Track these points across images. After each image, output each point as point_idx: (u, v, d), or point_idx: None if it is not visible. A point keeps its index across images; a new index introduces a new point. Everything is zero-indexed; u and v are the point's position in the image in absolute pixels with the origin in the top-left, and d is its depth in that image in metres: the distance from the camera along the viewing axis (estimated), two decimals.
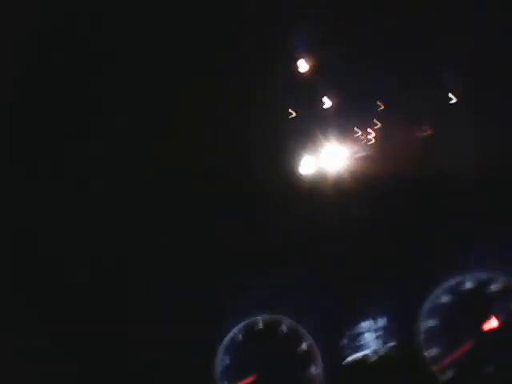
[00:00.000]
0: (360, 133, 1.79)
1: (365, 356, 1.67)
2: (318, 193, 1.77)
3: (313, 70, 1.82)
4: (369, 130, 1.79)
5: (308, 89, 1.82)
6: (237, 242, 1.71)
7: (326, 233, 1.73)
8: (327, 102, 1.82)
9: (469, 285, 1.67)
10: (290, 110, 1.83)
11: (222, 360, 1.65)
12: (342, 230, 1.72)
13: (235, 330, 1.68)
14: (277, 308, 1.70)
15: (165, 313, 1.69)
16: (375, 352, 1.67)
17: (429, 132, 1.77)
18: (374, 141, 1.79)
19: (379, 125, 1.79)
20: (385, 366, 1.66)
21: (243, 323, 1.69)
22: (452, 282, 1.68)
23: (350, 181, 1.76)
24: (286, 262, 1.72)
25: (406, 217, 1.73)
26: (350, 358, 1.67)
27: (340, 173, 1.77)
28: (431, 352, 1.65)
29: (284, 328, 1.68)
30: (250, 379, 1.63)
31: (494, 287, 1.66)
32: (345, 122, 1.80)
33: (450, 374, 1.62)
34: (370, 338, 1.68)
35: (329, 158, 1.78)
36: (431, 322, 1.66)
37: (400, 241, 1.72)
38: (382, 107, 1.79)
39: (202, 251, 1.72)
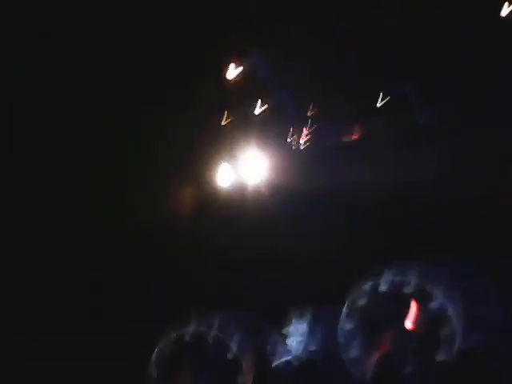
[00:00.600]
0: (292, 137, 1.78)
1: (289, 361, 1.73)
2: (243, 201, 1.80)
3: (243, 75, 1.82)
4: (300, 134, 1.78)
5: (238, 94, 1.82)
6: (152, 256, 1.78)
7: (244, 243, 1.77)
8: (258, 108, 1.81)
9: (384, 288, 1.68)
10: (220, 117, 1.83)
11: (151, 374, 1.75)
12: (259, 238, 1.75)
13: (163, 343, 1.76)
14: (203, 321, 1.77)
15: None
16: (298, 357, 1.73)
17: (359, 135, 1.75)
18: (305, 145, 1.78)
19: (310, 129, 1.77)
20: (308, 369, 1.72)
21: (171, 336, 1.77)
22: (368, 285, 1.69)
23: (277, 188, 1.77)
24: (205, 274, 1.78)
25: (324, 223, 1.74)
26: (274, 364, 1.74)
27: (267, 181, 1.79)
28: (351, 354, 1.69)
29: (211, 339, 1.75)
30: None
31: (408, 289, 1.66)
32: (276, 126, 1.79)
33: (369, 374, 1.66)
34: (293, 344, 1.73)
35: (257, 165, 1.79)
36: (350, 325, 1.70)
37: (318, 248, 1.73)
38: (313, 112, 1.77)
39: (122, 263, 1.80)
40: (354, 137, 1.76)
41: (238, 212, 1.79)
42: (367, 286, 1.69)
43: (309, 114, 1.78)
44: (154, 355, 1.76)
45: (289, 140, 1.77)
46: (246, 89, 1.83)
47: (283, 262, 1.75)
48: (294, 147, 1.77)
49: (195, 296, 1.77)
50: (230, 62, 1.82)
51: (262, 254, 1.76)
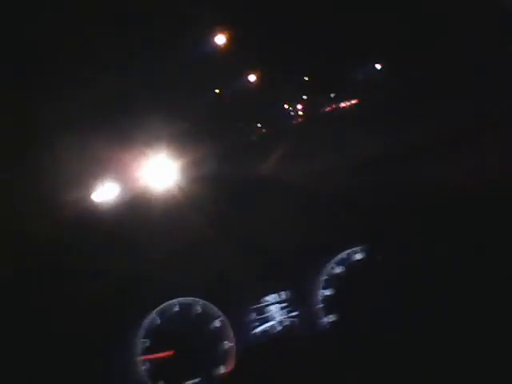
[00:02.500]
0: (288, 106, 1.88)
1: (271, 326, 1.86)
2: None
3: (233, 44, 1.84)
4: (297, 103, 1.89)
5: (229, 64, 1.86)
6: None
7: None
8: (252, 78, 1.87)
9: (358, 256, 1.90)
10: (214, 88, 1.86)
11: (142, 342, 1.76)
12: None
13: (153, 313, 1.79)
14: (190, 291, 1.83)
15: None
16: (280, 322, 1.86)
17: (354, 102, 1.89)
18: (302, 113, 1.89)
19: (306, 97, 1.89)
20: (290, 333, 1.86)
21: (160, 307, 1.80)
22: (343, 254, 1.90)
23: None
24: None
25: (307, 197, 1.90)
26: (258, 330, 1.85)
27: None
28: (330, 318, 1.87)
29: (198, 308, 1.82)
30: (168, 353, 1.76)
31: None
32: (272, 96, 1.87)
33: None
34: (275, 310, 1.87)
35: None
36: (328, 292, 1.88)
37: (300, 220, 1.90)
38: (308, 80, 1.89)
39: None
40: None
41: None
42: (344, 255, 1.90)
43: (306, 79, 1.88)
44: (144, 325, 1.78)
45: (286, 107, 1.87)
46: (239, 57, 1.86)
47: (261, 234, 1.87)
48: (292, 113, 1.87)
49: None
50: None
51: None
